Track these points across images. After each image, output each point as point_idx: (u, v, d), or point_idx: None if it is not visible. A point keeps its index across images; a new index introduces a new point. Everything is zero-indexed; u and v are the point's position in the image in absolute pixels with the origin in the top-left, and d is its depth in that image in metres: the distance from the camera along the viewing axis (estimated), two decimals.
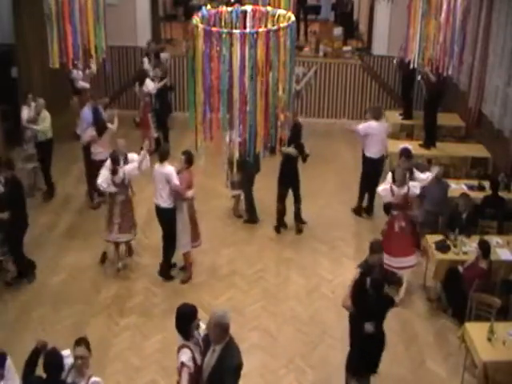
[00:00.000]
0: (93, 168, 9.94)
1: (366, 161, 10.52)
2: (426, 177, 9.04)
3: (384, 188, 8.59)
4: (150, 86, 12.14)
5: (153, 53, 13.13)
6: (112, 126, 10.44)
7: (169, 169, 8.42)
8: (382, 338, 6.69)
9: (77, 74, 12.31)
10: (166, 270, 8.93)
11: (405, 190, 8.42)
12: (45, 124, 10.51)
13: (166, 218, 8.67)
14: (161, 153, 8.69)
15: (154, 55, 13.08)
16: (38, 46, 11.60)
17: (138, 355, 7.60)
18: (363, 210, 10.78)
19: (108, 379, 7.14)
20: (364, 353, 6.68)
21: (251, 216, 10.43)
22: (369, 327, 6.49)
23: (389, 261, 8.31)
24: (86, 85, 12.35)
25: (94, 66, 12.24)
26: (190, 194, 8.54)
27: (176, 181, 8.35)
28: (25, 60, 12.20)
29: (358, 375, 6.86)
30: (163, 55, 13.51)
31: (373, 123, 10.29)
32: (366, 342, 6.58)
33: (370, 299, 6.48)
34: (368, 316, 6.52)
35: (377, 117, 10.37)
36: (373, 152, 10.35)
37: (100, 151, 10.11)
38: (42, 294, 8.57)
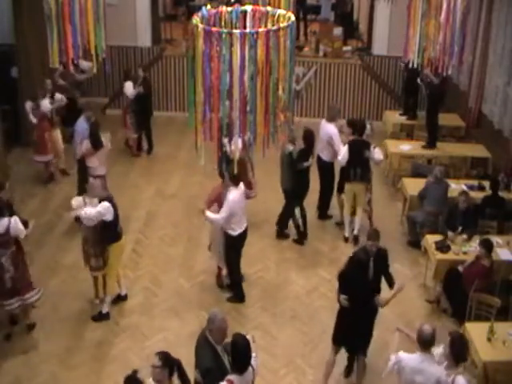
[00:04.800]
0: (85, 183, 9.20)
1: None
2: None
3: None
4: (129, 90, 12.00)
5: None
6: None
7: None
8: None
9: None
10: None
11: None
12: None
13: None
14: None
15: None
16: (37, 45, 11.61)
17: (138, 355, 7.59)
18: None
19: (108, 379, 7.17)
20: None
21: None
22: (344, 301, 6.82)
23: None
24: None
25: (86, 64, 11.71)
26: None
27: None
28: (25, 60, 12.18)
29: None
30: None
31: (322, 122, 10.43)
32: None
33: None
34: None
35: (327, 118, 10.41)
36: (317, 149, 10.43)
37: (95, 166, 9.64)
38: (42, 294, 8.55)
